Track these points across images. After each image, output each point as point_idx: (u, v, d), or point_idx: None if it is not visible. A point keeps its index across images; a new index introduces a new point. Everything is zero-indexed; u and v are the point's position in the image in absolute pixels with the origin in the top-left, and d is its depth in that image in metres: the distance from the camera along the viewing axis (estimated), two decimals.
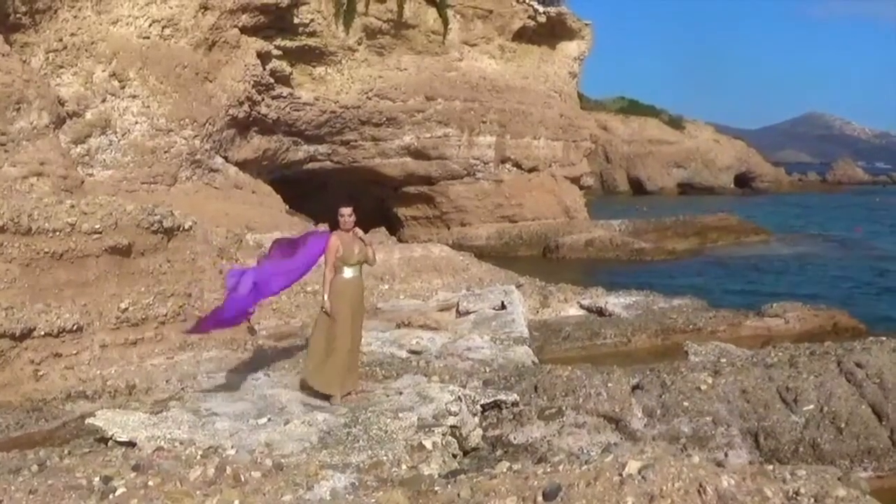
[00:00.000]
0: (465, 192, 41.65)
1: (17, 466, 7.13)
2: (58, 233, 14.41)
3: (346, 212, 11.85)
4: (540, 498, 5.62)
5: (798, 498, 5.58)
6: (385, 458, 9.19)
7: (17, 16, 23.47)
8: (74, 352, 13.95)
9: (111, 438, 10.13)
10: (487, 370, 14.00)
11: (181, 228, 16.99)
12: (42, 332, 13.53)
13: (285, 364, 13.44)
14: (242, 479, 6.31)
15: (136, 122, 26.73)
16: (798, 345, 14.31)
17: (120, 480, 6.19)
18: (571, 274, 30.77)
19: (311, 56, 34.27)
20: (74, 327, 13.91)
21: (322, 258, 11.94)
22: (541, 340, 18.45)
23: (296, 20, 32.34)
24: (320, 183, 39.52)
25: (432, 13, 38.96)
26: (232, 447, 9.11)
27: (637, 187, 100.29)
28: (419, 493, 6.05)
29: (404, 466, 9.15)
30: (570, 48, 47.34)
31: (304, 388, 11.71)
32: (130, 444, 9.41)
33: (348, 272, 11.73)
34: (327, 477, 6.51)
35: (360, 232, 11.96)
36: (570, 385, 12.13)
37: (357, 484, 6.47)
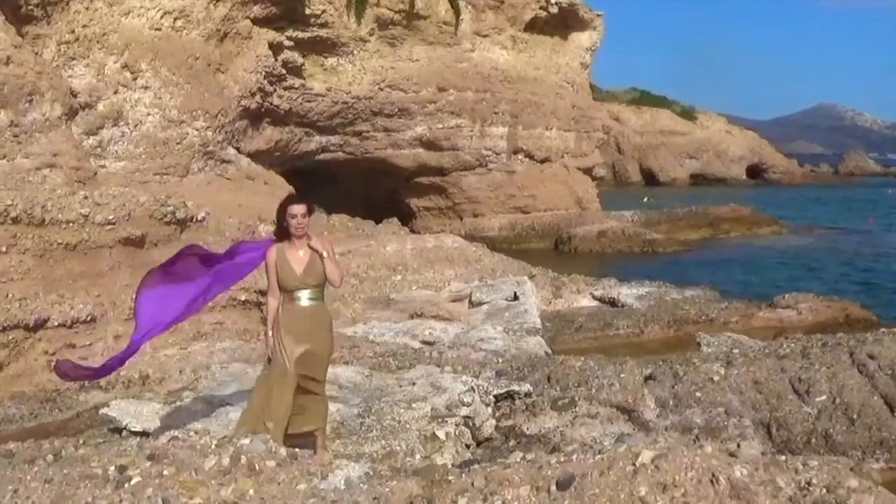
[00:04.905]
0: (477, 183, 41.60)
1: (32, 456, 7.16)
2: (71, 224, 14.47)
3: (298, 211, 8.55)
4: (553, 487, 5.64)
5: (810, 488, 5.59)
6: (398, 448, 9.22)
7: (29, 7, 23.50)
8: (88, 342, 14.00)
9: (125, 428, 10.19)
10: (500, 361, 14.02)
11: (194, 219, 17.07)
12: (56, 323, 13.58)
13: None
14: (257, 468, 6.34)
15: (149, 114, 26.75)
16: (810, 336, 14.31)
17: (135, 470, 6.22)
18: (584, 265, 30.81)
19: (323, 47, 34.26)
20: (88, 318, 13.96)
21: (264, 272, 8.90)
22: (553, 331, 18.50)
23: (307, 11, 32.33)
24: (332, 174, 39.53)
25: (444, 4, 38.92)
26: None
27: (649, 178, 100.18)
28: (433, 483, 6.07)
29: (418, 456, 9.18)
30: (582, 39, 47.27)
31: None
32: (144, 434, 9.45)
33: (302, 297, 8.51)
34: (342, 466, 6.53)
35: (315, 242, 8.65)
36: (583, 376, 12.15)
37: (371, 473, 6.49)
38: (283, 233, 8.62)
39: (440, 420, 10.08)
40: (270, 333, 8.55)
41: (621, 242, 40.01)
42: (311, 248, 8.53)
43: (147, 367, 13.97)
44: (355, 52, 35.50)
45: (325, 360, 8.75)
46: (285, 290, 8.49)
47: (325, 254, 8.51)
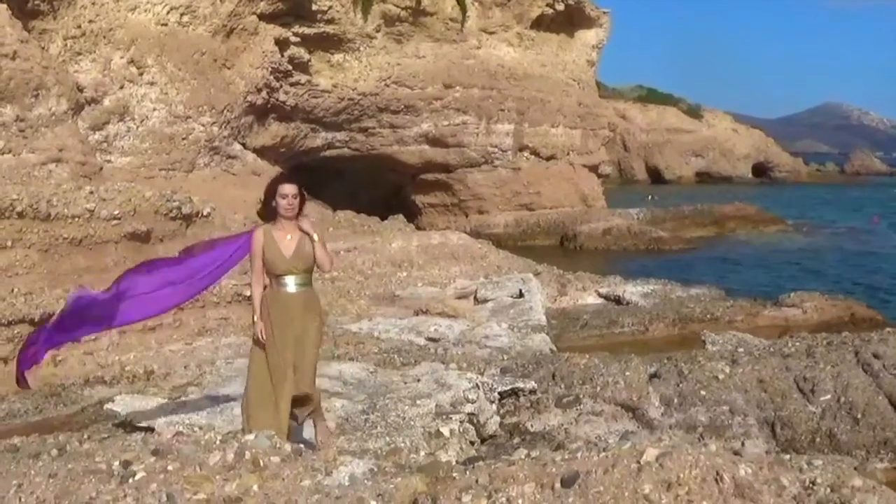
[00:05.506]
0: (482, 180, 41.58)
1: (37, 451, 7.15)
2: (77, 219, 14.47)
3: (290, 191, 8.07)
4: (558, 484, 5.62)
5: (814, 487, 5.57)
6: (403, 444, 9.21)
7: (36, 3, 23.55)
8: (93, 337, 13.97)
9: (129, 423, 10.20)
10: (505, 358, 14.00)
11: (199, 215, 17.06)
12: None
13: None
14: (261, 463, 6.32)
15: (155, 109, 26.81)
16: (815, 335, 14.24)
17: (140, 465, 6.20)
18: (589, 262, 30.77)
19: (330, 43, 34.31)
20: None
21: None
22: (558, 328, 18.46)
23: (314, 7, 32.40)
24: (338, 170, 39.55)
25: (450, 1, 38.93)
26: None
27: (655, 176, 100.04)
28: (437, 480, 6.06)
29: (422, 453, 9.16)
30: (589, 36, 47.20)
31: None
32: (149, 430, 9.45)
33: (290, 283, 8.09)
34: (346, 463, 6.51)
35: (305, 224, 8.19)
36: (588, 373, 12.12)
37: (375, 470, 6.48)
38: (270, 214, 8.16)
39: (445, 417, 10.07)
40: (255, 319, 8.17)
41: (627, 240, 40.02)
42: (301, 230, 8.07)
43: (152, 362, 13.96)
44: (361, 48, 35.54)
45: (315, 348, 8.33)
46: (273, 274, 8.07)
47: (315, 237, 8.08)
